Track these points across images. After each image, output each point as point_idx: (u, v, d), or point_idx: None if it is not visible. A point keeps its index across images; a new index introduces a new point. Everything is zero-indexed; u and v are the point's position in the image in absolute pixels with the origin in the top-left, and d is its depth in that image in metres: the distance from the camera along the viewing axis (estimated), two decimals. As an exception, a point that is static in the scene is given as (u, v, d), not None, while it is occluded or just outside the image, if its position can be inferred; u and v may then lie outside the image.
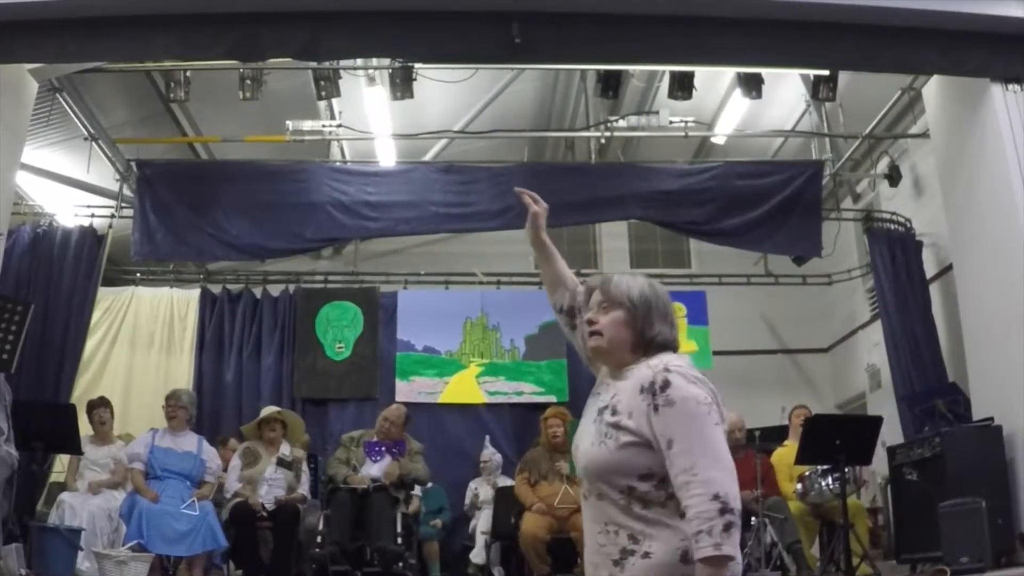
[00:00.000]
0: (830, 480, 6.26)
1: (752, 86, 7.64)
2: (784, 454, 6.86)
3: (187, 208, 8.06)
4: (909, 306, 8.09)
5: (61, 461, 6.78)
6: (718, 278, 9.89)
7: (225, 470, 6.51)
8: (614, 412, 2.01)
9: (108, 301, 8.67)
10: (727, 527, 1.83)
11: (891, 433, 7.35)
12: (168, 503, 5.84)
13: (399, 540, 6.27)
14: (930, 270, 8.35)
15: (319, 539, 6.27)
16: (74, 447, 6.19)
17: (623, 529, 1.94)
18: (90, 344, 8.14)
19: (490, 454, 7.93)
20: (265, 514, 6.16)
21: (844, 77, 7.72)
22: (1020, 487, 5.63)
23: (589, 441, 2.03)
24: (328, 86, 7.46)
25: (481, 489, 7.74)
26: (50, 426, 5.88)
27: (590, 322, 2.11)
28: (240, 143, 8.72)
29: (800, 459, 6.26)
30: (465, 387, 8.85)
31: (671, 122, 8.42)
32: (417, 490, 7.05)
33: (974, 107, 6.24)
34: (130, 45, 5.78)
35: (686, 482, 1.87)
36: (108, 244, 8.02)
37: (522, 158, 9.66)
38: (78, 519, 5.94)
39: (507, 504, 6.75)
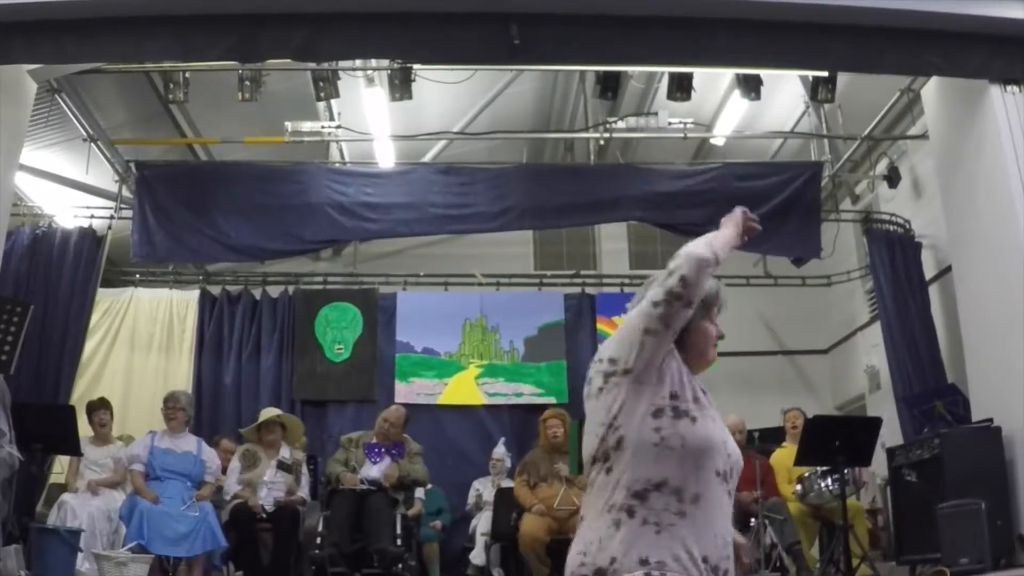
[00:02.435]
0: (829, 481, 6.27)
1: (751, 87, 7.64)
2: (783, 455, 6.87)
3: (186, 209, 8.05)
4: (908, 307, 8.09)
5: (60, 463, 6.78)
6: (717, 279, 9.86)
7: (223, 472, 6.51)
8: None
9: (107, 302, 8.67)
10: None
11: (890, 434, 7.35)
12: (168, 504, 5.84)
13: (398, 542, 6.27)
14: (929, 271, 8.35)
15: (318, 541, 6.27)
16: (73, 448, 6.18)
17: None
18: (89, 345, 8.13)
19: (502, 454, 7.90)
20: (265, 516, 6.16)
21: (843, 78, 7.71)
22: (1019, 488, 5.62)
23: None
24: (327, 87, 7.45)
25: (484, 489, 7.74)
26: (49, 427, 5.87)
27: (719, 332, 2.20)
28: (239, 144, 8.72)
29: (800, 460, 6.27)
30: (464, 388, 8.85)
31: (670, 123, 8.41)
32: (419, 493, 7.05)
33: (973, 108, 6.24)
34: (129, 46, 5.77)
35: None
36: (107, 245, 8.01)
37: (521, 159, 9.66)
38: (78, 520, 5.94)
39: (507, 505, 6.74)
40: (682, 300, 1.98)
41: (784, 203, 8.31)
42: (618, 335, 2.06)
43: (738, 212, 2.20)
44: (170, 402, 6.34)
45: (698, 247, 2.06)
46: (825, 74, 7.57)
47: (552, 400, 8.51)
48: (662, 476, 1.92)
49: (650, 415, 1.97)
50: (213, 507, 6.06)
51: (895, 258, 8.34)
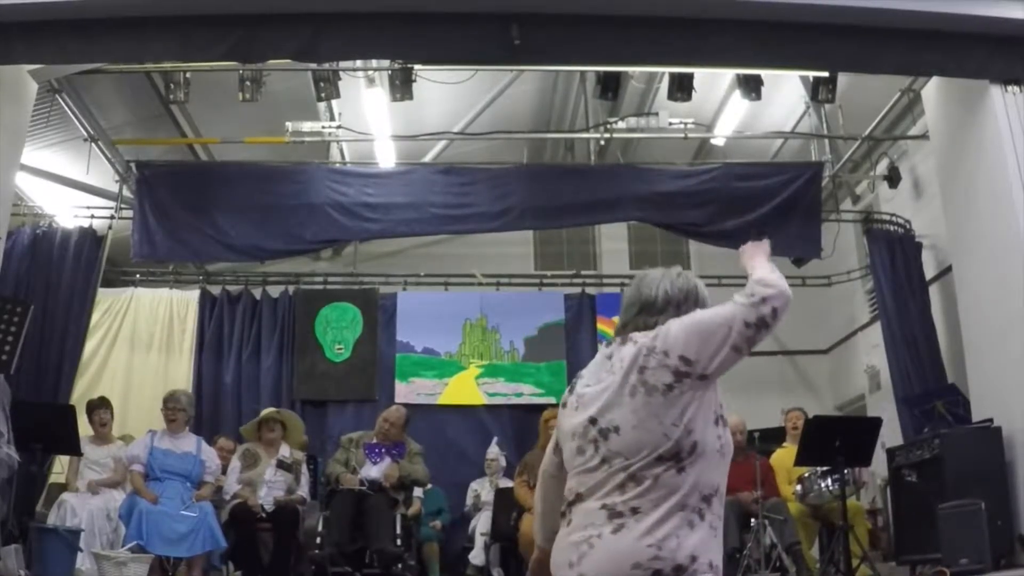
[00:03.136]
0: (829, 481, 6.27)
1: (751, 87, 7.63)
2: (783, 456, 6.87)
3: (186, 209, 8.04)
4: (908, 307, 8.09)
5: (61, 462, 6.77)
6: (718, 279, 9.79)
7: (223, 471, 6.51)
8: None
9: (108, 302, 8.67)
10: None
11: (890, 434, 7.35)
12: (168, 504, 5.84)
13: (398, 542, 6.27)
14: (929, 271, 8.34)
15: (318, 540, 6.27)
16: (73, 448, 6.18)
17: None
18: (89, 345, 8.13)
19: (496, 453, 7.91)
20: (265, 515, 6.16)
21: (843, 78, 7.71)
22: (1019, 488, 5.62)
23: None
24: (327, 87, 7.46)
25: (483, 490, 7.75)
26: (49, 427, 5.87)
27: None
28: (239, 144, 8.72)
29: (800, 460, 6.27)
30: (464, 388, 8.86)
31: (670, 123, 8.41)
32: (418, 492, 7.05)
33: (973, 109, 6.24)
34: (129, 46, 5.78)
35: None
36: (107, 245, 8.01)
37: (522, 159, 9.66)
38: (78, 519, 5.94)
39: (506, 506, 6.73)
40: (768, 329, 2.14)
41: (784, 203, 8.30)
42: (693, 336, 2.09)
43: (766, 244, 2.39)
44: (170, 402, 6.34)
45: (784, 283, 2.20)
46: (826, 74, 7.57)
47: (552, 400, 8.47)
48: (717, 483, 2.06)
49: (712, 422, 2.09)
50: (213, 507, 6.06)
51: (895, 258, 8.34)
